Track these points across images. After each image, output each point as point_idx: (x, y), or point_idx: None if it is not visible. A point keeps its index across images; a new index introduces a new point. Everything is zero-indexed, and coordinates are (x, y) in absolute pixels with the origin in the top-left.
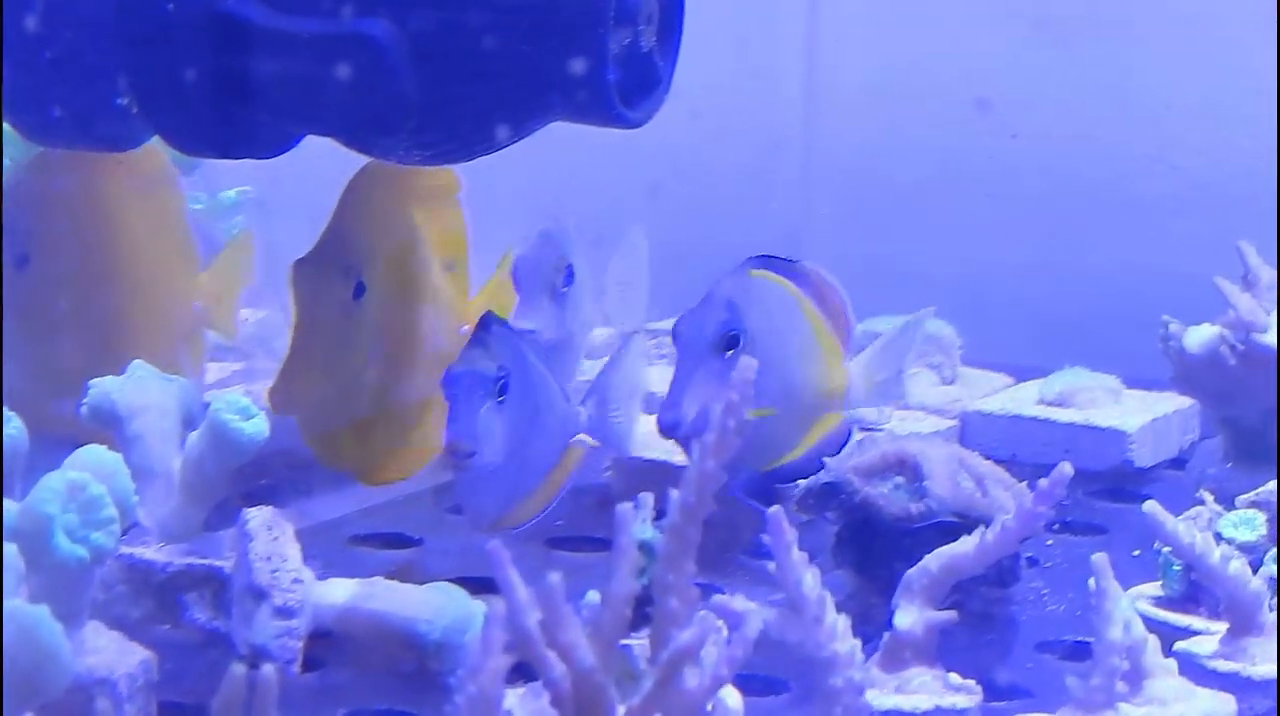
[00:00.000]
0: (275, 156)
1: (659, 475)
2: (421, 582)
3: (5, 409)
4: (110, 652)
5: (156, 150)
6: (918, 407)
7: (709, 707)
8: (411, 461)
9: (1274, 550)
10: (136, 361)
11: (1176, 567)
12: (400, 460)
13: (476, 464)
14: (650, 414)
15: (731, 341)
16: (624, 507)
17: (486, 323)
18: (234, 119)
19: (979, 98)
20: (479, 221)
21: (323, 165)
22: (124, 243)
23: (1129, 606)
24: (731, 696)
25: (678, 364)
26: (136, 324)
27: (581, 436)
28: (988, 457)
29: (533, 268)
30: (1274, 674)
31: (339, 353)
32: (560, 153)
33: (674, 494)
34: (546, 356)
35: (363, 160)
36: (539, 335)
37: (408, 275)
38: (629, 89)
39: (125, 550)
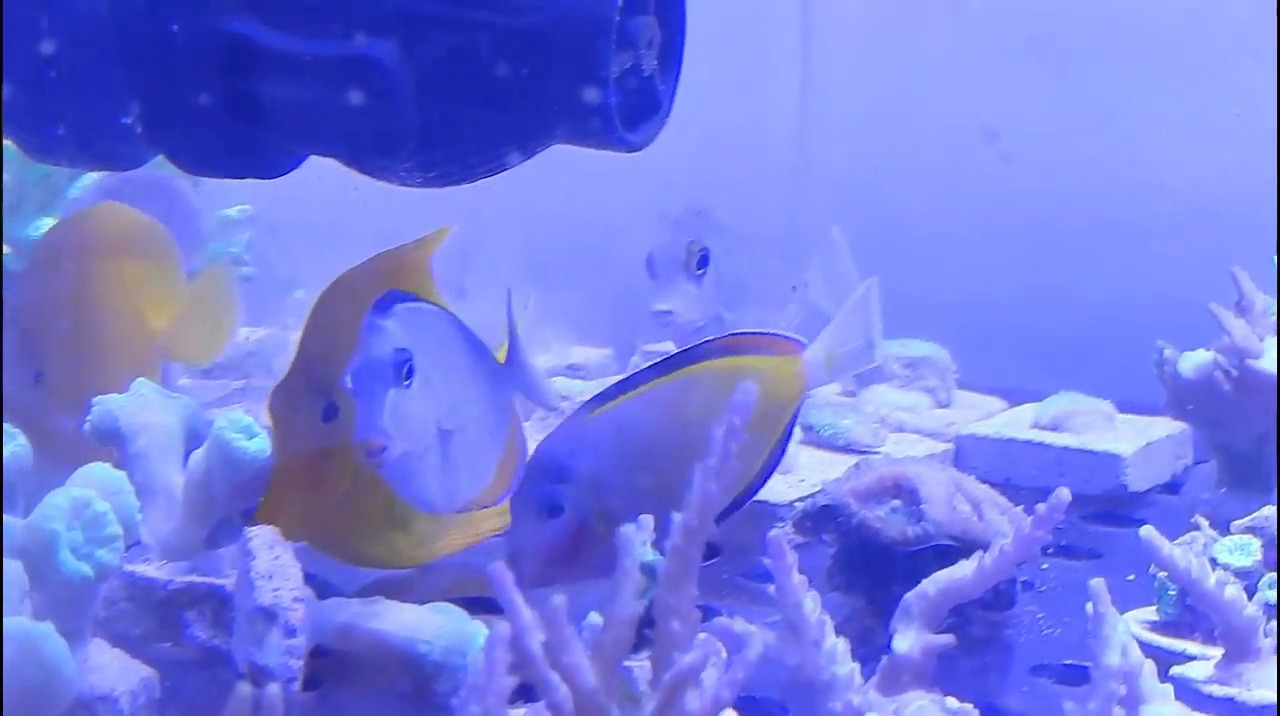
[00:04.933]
0: (279, 176)
1: None
2: (422, 602)
3: (10, 427)
4: (112, 670)
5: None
6: (913, 431)
7: None
8: (436, 537)
9: (1270, 575)
10: (139, 380)
11: (1172, 592)
12: (453, 538)
13: (391, 457)
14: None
15: (555, 510)
16: (626, 529)
17: (381, 304)
18: (239, 140)
19: (989, 129)
20: (485, 243)
21: (323, 184)
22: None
23: (1126, 631)
24: None
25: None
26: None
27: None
28: (982, 481)
29: (665, 251)
30: (1270, 699)
31: (316, 475)
32: (568, 173)
33: (676, 517)
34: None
35: (364, 178)
36: (675, 318)
37: None
38: (630, 112)
39: (127, 567)
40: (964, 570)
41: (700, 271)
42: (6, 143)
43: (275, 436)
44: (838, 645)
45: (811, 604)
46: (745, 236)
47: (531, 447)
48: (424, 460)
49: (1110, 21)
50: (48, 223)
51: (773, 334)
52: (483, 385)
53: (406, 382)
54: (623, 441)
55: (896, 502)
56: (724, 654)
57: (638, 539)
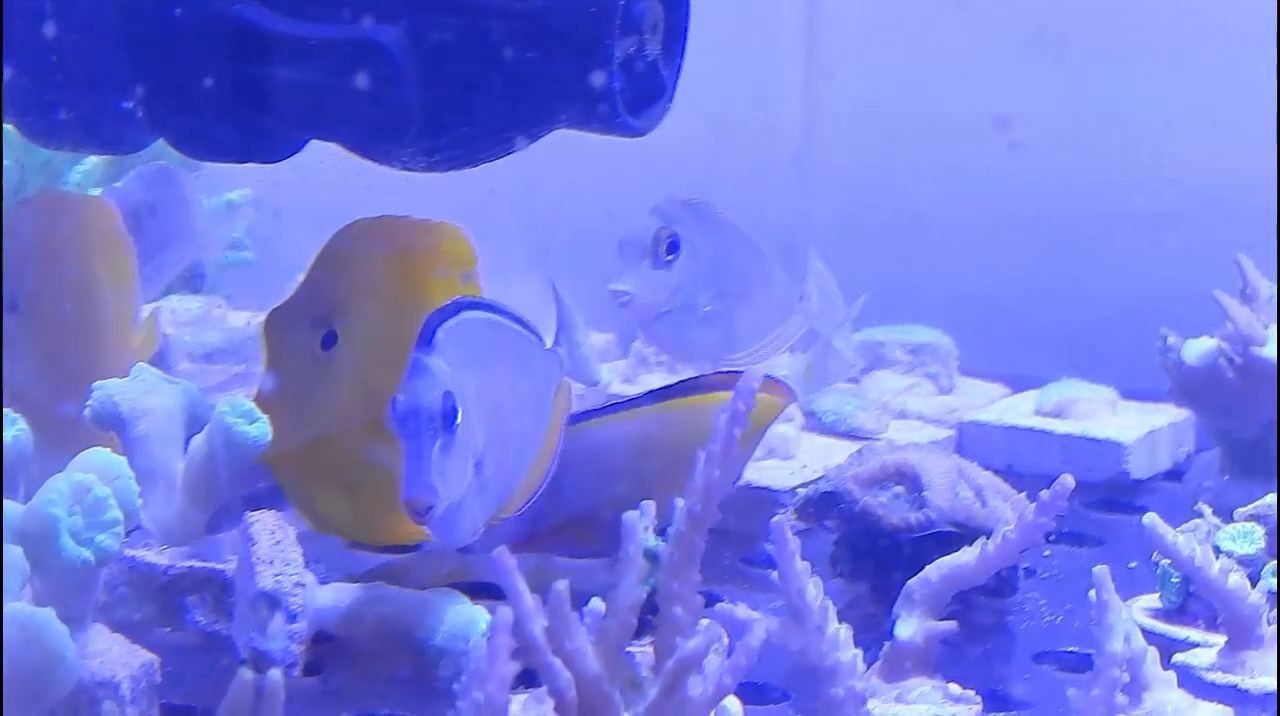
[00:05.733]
0: (282, 160)
1: None
2: (423, 587)
3: (11, 412)
4: (114, 655)
5: (108, 206)
6: (915, 417)
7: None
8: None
9: (1272, 563)
10: (140, 364)
11: (1175, 580)
12: (398, 522)
13: (437, 515)
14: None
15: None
16: (630, 515)
17: (425, 335)
18: (241, 124)
19: (998, 115)
20: (489, 229)
21: (324, 167)
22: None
23: (1129, 618)
24: (733, 704)
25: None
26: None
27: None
28: (985, 468)
29: (632, 236)
30: (1273, 687)
31: (305, 404)
32: (573, 157)
33: (679, 503)
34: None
35: (364, 164)
36: (632, 300)
37: (387, 327)
38: (633, 97)
39: (128, 552)
40: (967, 557)
41: (670, 257)
42: (7, 127)
43: (268, 359)
44: (840, 631)
45: (814, 590)
46: (747, 233)
47: None
48: (461, 503)
49: (1113, 13)
50: None
51: (769, 377)
52: (525, 388)
53: (452, 428)
54: (590, 461)
55: (899, 489)
56: (726, 640)
57: (641, 524)
